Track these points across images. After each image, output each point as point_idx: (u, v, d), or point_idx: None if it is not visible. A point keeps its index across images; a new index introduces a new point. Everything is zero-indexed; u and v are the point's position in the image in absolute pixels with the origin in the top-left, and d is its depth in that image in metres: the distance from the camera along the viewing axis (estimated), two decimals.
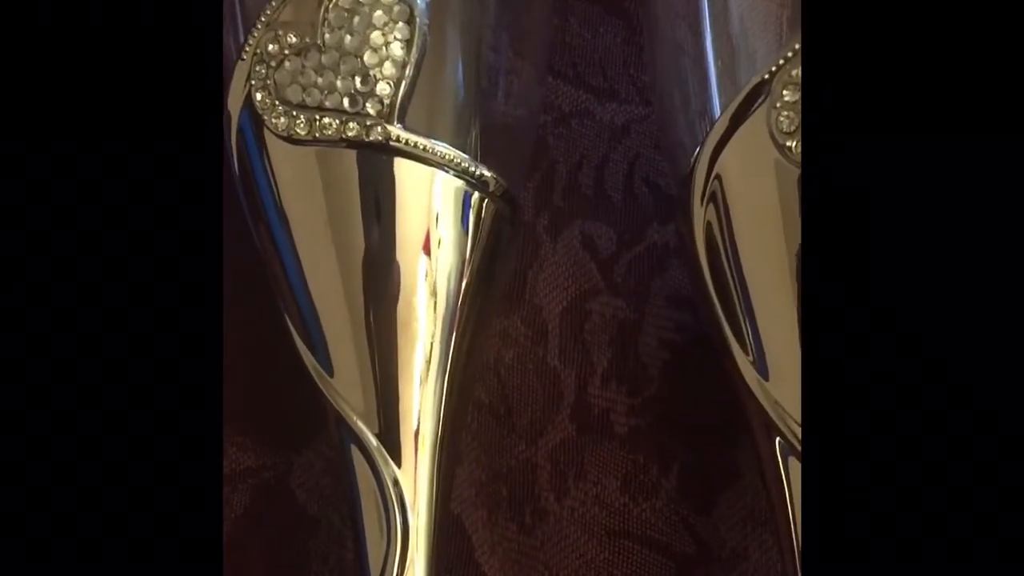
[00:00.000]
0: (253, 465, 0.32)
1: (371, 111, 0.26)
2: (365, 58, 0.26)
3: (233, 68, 0.28)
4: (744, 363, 0.27)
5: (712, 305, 0.27)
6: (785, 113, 0.25)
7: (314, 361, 0.28)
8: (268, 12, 0.26)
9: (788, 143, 0.25)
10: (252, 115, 0.27)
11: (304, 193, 0.27)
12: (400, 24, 0.26)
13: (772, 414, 0.27)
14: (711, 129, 0.26)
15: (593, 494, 0.31)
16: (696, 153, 0.27)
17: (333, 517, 0.32)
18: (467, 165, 0.27)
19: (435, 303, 0.28)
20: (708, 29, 0.28)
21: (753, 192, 0.26)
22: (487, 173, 0.28)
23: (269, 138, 0.27)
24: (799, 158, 0.25)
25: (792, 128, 0.25)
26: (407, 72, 0.26)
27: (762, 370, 0.27)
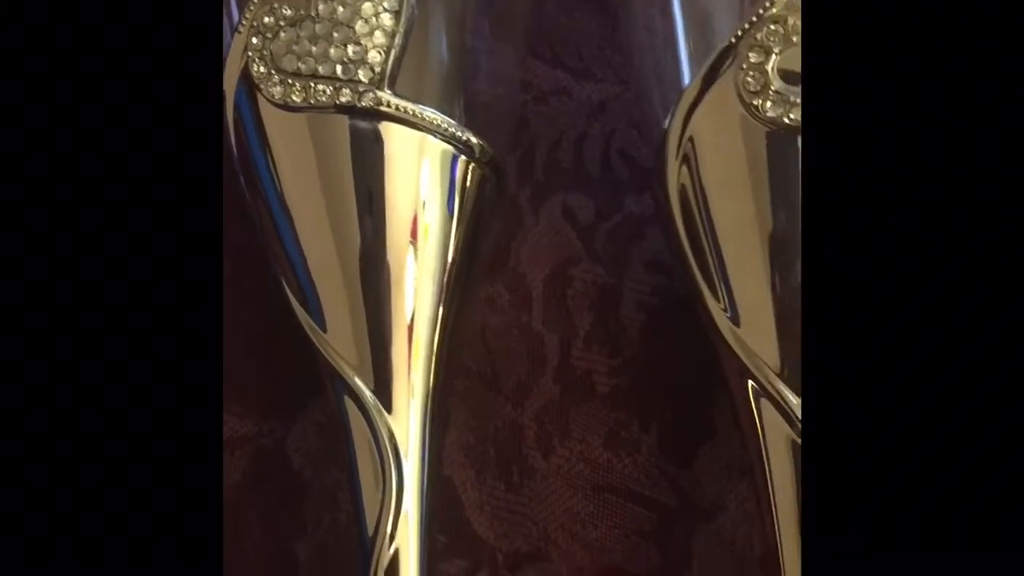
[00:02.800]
0: (250, 432, 0.33)
1: (363, 78, 0.28)
2: (356, 28, 0.28)
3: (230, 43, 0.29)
4: (718, 312, 0.28)
5: (686, 259, 0.29)
6: (751, 74, 0.27)
7: (308, 318, 0.29)
8: None
9: (755, 102, 0.27)
10: (249, 85, 0.28)
11: (298, 158, 0.29)
12: None
13: (745, 359, 0.28)
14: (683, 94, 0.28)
15: (577, 451, 0.33)
16: (670, 117, 0.28)
17: (327, 480, 0.33)
18: (454, 130, 0.29)
19: (424, 263, 0.29)
20: (677, 9, 0.30)
21: (723, 150, 0.28)
22: (473, 139, 0.29)
23: (265, 107, 0.28)
24: (766, 116, 0.27)
25: (758, 88, 0.27)
26: (396, 41, 0.28)
27: (734, 318, 0.28)
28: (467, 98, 0.30)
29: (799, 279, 0.28)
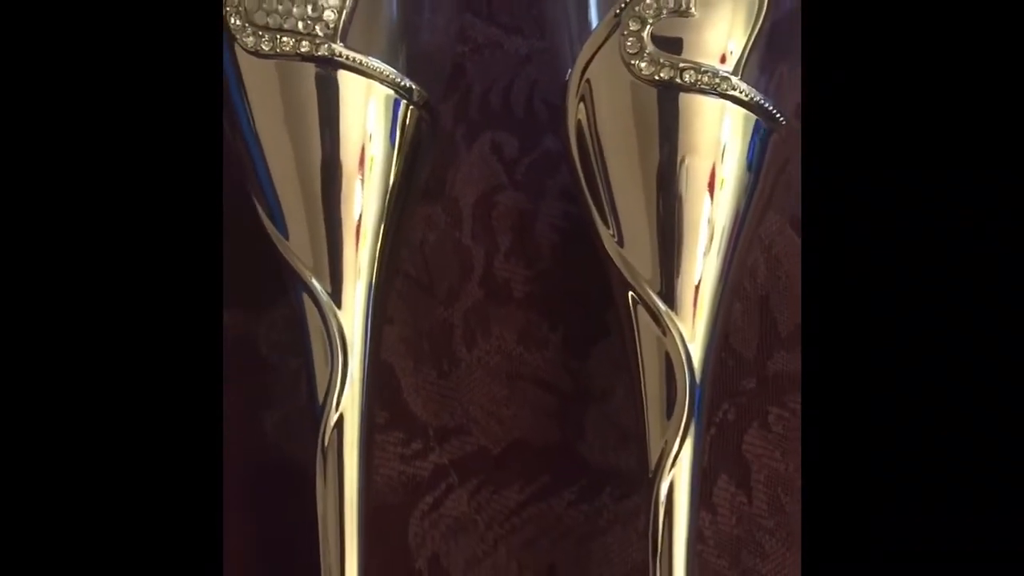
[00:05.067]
0: (228, 323, 0.40)
1: (320, 32, 0.34)
2: None
3: None
4: (606, 235, 0.35)
5: (582, 190, 0.35)
6: (630, 39, 0.33)
7: (274, 228, 0.35)
8: None
9: (632, 61, 0.33)
10: (228, 36, 0.34)
11: (268, 98, 0.35)
12: None
13: (627, 274, 0.35)
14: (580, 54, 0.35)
15: (496, 346, 0.39)
16: (570, 71, 0.35)
17: (291, 363, 0.40)
18: (396, 78, 0.35)
19: (369, 185, 0.36)
20: None
21: (611, 101, 0.34)
22: (412, 85, 0.35)
23: (240, 54, 0.34)
24: (639, 72, 0.33)
25: (635, 51, 0.33)
26: (347, 3, 0.34)
27: (619, 241, 0.35)
28: (410, 49, 0.37)
29: (674, 208, 0.34)
